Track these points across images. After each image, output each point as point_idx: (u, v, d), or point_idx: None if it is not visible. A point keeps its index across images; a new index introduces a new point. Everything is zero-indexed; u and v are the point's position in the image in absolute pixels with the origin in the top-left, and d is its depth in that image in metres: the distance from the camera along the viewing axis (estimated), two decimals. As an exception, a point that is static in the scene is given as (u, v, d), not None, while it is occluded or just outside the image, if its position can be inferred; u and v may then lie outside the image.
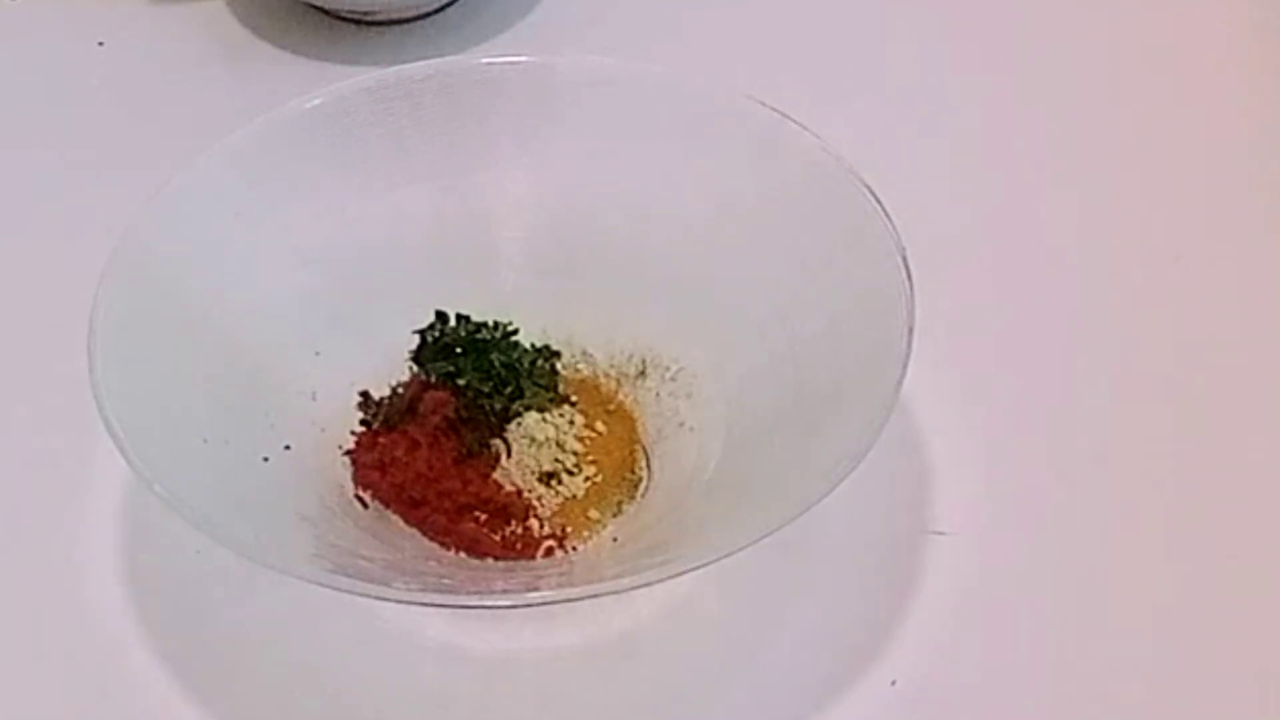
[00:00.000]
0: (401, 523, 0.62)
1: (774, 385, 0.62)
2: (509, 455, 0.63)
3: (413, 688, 0.60)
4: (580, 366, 0.66)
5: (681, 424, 0.64)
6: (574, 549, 0.61)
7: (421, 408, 0.64)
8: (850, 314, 0.60)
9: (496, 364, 0.64)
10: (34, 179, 0.78)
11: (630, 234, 0.66)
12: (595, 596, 0.55)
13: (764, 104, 0.64)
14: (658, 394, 0.65)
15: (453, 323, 0.65)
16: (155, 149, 0.76)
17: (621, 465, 0.64)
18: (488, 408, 0.64)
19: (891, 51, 0.83)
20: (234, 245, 0.63)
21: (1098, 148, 0.78)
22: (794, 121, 0.64)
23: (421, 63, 0.67)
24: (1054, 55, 0.83)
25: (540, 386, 0.64)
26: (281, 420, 0.62)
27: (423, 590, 0.59)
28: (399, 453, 0.63)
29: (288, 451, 0.62)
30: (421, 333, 0.65)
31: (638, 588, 0.54)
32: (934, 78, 0.81)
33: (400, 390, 0.65)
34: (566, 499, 0.62)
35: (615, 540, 0.61)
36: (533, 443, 0.63)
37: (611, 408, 0.65)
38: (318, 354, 0.64)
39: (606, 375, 0.66)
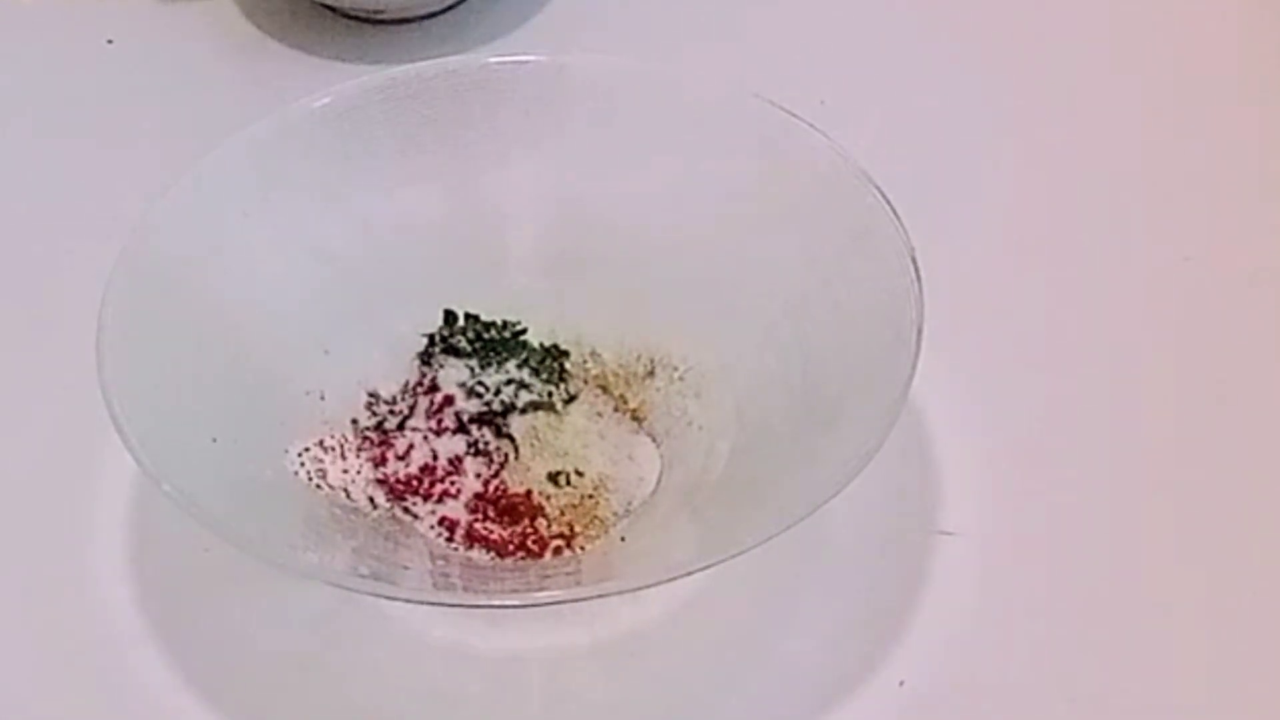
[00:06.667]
0: (410, 522, 0.62)
1: (783, 385, 0.62)
2: (517, 455, 0.63)
3: (420, 687, 0.60)
4: (589, 366, 0.66)
5: (690, 424, 0.64)
6: (582, 549, 0.61)
7: (430, 407, 0.64)
8: (859, 314, 0.60)
9: (505, 364, 0.64)
10: (42, 177, 0.78)
11: (639, 234, 0.66)
12: (603, 596, 0.55)
13: (773, 103, 0.64)
14: (666, 394, 0.65)
15: (461, 322, 0.65)
16: (164, 147, 0.76)
17: (629, 465, 0.64)
18: (496, 407, 0.64)
19: (900, 51, 0.83)
20: (243, 244, 0.63)
21: (1107, 148, 0.78)
22: (803, 121, 0.64)
23: (431, 62, 0.67)
24: (1064, 56, 0.83)
25: (549, 386, 0.64)
26: (290, 419, 0.62)
27: (431, 590, 0.59)
28: (407, 452, 0.63)
29: (296, 451, 0.62)
30: (430, 332, 0.65)
31: (645, 587, 0.54)
32: (943, 77, 0.81)
33: (408, 389, 0.65)
34: (575, 499, 0.62)
35: (623, 540, 0.61)
36: (541, 442, 0.63)
37: (620, 407, 0.65)
38: (326, 353, 0.64)
39: (615, 375, 0.66)
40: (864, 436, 0.55)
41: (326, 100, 0.66)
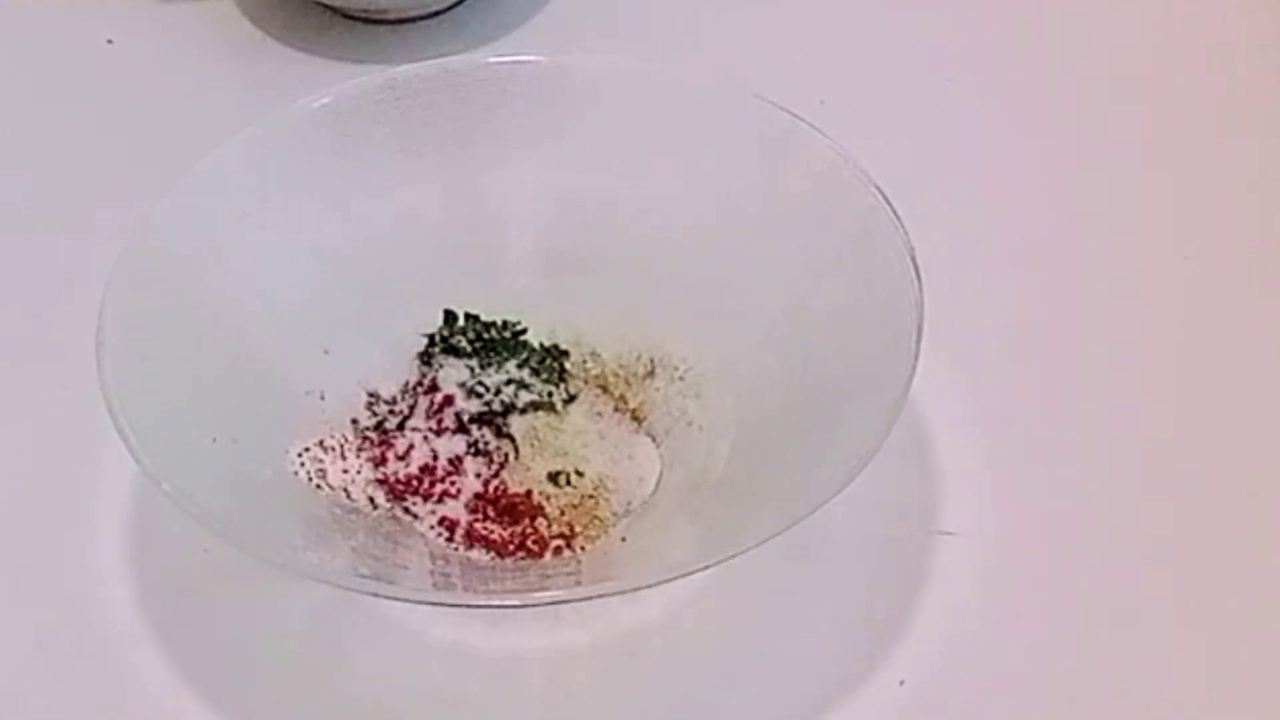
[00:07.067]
0: (410, 522, 0.62)
1: (783, 385, 0.62)
2: (517, 455, 0.63)
3: (420, 687, 0.60)
4: (589, 366, 0.66)
5: (690, 424, 0.64)
6: (582, 549, 0.61)
7: (430, 407, 0.64)
8: (859, 314, 0.60)
9: (505, 364, 0.64)
10: (42, 177, 0.78)
11: (639, 234, 0.66)
12: (603, 596, 0.55)
13: (774, 104, 0.64)
14: (666, 394, 0.65)
15: (461, 322, 0.65)
16: (164, 147, 0.76)
17: (629, 465, 0.64)
18: (496, 407, 0.64)
19: (900, 51, 0.83)
20: (243, 244, 0.63)
21: (1107, 149, 0.78)
22: (804, 122, 0.64)
23: (431, 61, 0.67)
24: (1064, 56, 0.83)
25: (549, 386, 0.64)
26: (290, 419, 0.62)
27: (431, 590, 0.59)
28: (407, 452, 0.63)
29: (296, 451, 0.62)
30: (430, 332, 0.65)
31: (646, 587, 0.54)
32: (943, 77, 0.81)
33: (408, 389, 0.65)
34: (575, 499, 0.62)
35: (623, 540, 0.61)
36: (541, 443, 0.63)
37: (620, 407, 0.65)
38: (326, 353, 0.64)
39: (615, 375, 0.66)
40: (864, 436, 0.55)
41: (326, 100, 0.66)
